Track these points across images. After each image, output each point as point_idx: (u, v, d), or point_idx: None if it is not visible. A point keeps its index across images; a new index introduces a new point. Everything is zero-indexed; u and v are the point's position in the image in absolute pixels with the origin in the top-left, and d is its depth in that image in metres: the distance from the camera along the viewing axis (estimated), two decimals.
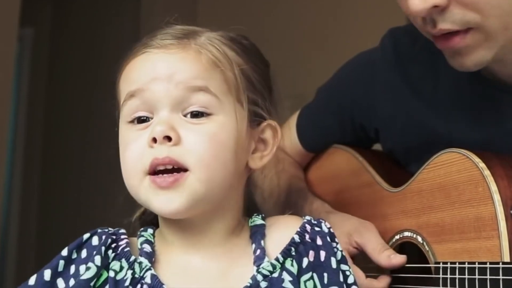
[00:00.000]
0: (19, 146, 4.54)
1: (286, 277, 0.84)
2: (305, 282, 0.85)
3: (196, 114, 0.85)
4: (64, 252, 0.85)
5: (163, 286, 0.83)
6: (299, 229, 0.89)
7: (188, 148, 0.83)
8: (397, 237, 1.09)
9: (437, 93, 1.12)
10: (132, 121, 0.87)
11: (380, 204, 1.15)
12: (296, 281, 0.84)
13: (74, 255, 0.85)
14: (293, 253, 0.87)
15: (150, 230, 0.92)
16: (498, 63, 1.02)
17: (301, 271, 0.86)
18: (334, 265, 0.87)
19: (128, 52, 0.91)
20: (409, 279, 1.07)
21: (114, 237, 0.87)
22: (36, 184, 4.51)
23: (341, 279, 0.86)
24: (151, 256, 0.86)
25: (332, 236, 0.90)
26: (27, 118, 4.57)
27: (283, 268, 0.85)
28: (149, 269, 0.84)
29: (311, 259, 0.87)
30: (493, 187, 0.93)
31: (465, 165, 0.98)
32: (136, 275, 0.84)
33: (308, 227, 0.90)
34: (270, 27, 3.59)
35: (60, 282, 0.84)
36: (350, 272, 0.88)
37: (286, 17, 3.51)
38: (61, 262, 0.85)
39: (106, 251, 0.85)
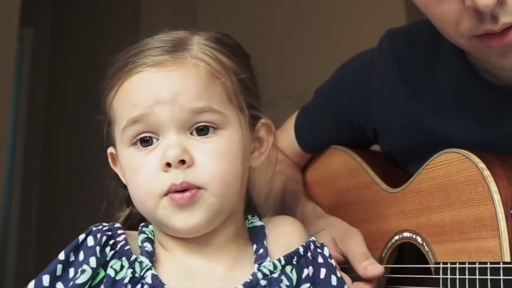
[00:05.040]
0: (19, 146, 4.54)
1: (284, 280, 0.85)
2: None
3: (202, 129, 0.84)
4: (61, 256, 0.84)
5: (165, 286, 0.82)
6: (304, 243, 0.90)
7: (202, 168, 0.83)
8: (396, 237, 1.09)
9: (435, 94, 1.12)
10: (134, 143, 0.86)
11: (379, 204, 1.15)
12: (292, 287, 0.85)
13: (72, 258, 0.84)
14: (295, 262, 0.87)
15: (151, 226, 0.91)
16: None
17: (300, 281, 0.86)
18: (334, 282, 0.88)
19: (117, 66, 0.88)
20: (408, 279, 1.07)
21: (109, 233, 0.86)
22: (36, 184, 4.51)
23: None
24: (151, 256, 0.85)
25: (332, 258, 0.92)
26: (27, 118, 4.57)
27: (283, 271, 0.86)
28: (150, 268, 0.83)
29: (310, 274, 0.87)
30: (493, 187, 0.93)
31: (464, 165, 0.98)
32: (136, 275, 0.83)
33: (311, 246, 0.90)
34: (270, 27, 3.59)
35: (60, 286, 0.82)
36: None
37: (286, 17, 3.51)
38: (59, 266, 0.83)
39: (102, 249, 0.84)
